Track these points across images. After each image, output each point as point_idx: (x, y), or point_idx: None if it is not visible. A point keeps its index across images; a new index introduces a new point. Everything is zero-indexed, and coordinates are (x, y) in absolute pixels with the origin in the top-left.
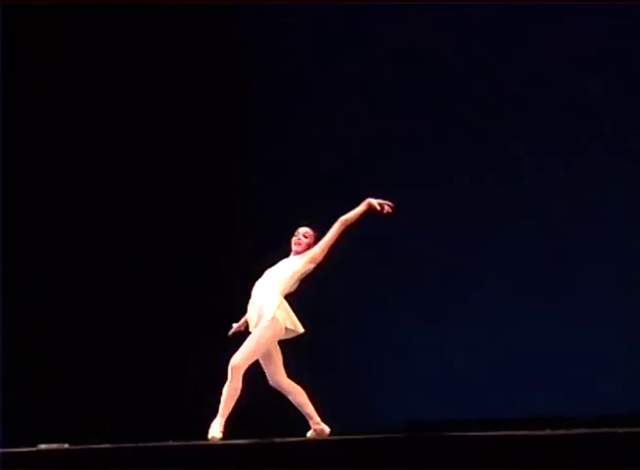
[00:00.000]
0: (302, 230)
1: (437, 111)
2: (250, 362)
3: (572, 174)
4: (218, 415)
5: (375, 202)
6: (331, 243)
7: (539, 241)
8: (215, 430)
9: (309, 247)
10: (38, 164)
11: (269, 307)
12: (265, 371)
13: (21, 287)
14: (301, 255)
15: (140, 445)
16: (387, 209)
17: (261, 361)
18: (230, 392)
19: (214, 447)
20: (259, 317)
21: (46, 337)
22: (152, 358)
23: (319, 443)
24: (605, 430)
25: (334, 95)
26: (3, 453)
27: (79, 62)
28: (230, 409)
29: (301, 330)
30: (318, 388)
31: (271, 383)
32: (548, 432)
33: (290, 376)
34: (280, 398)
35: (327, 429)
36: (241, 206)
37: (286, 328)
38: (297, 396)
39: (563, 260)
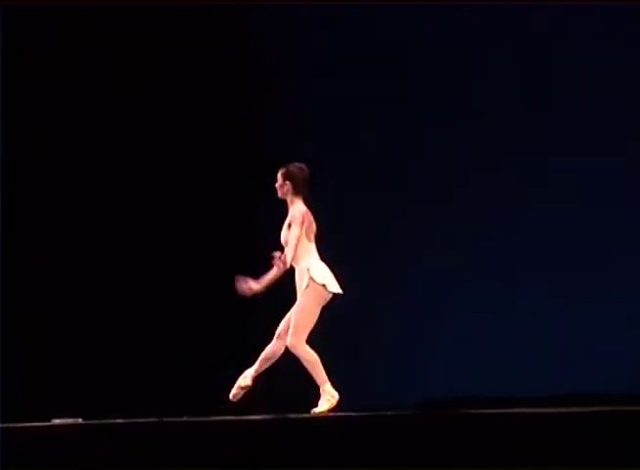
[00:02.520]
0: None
1: (444, 110)
2: (306, 333)
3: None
4: (321, 386)
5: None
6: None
7: (554, 222)
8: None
9: (282, 188)
10: (39, 159)
11: (305, 273)
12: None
13: (37, 263)
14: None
15: (154, 420)
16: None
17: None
18: (311, 364)
19: (228, 423)
20: (300, 283)
21: (62, 311)
22: (168, 333)
23: (332, 420)
24: (620, 408)
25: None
26: (17, 428)
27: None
28: (324, 374)
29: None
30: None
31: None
32: (554, 410)
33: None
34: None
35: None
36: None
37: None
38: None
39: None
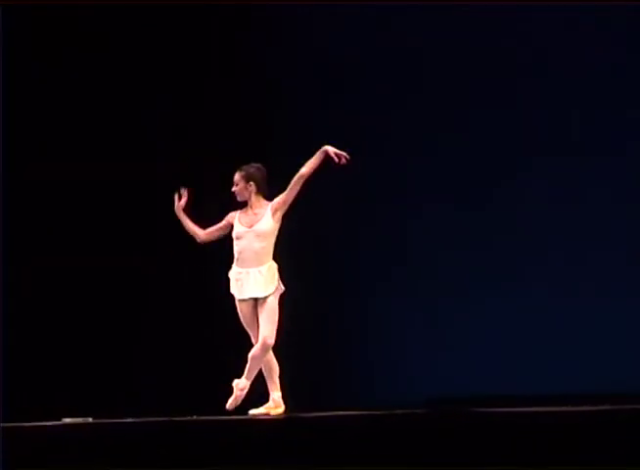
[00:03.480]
0: (234, 178)
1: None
2: None
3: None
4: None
5: (332, 150)
6: (292, 198)
7: (560, 218)
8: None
9: (246, 189)
10: (38, 156)
11: (272, 276)
12: (253, 334)
13: (47, 261)
14: (268, 213)
15: (163, 419)
16: (343, 160)
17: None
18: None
19: (237, 422)
20: (264, 285)
21: (71, 309)
22: (178, 332)
23: (343, 418)
24: (629, 406)
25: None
26: (27, 427)
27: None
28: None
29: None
30: (339, 364)
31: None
32: (569, 408)
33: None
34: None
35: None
36: None
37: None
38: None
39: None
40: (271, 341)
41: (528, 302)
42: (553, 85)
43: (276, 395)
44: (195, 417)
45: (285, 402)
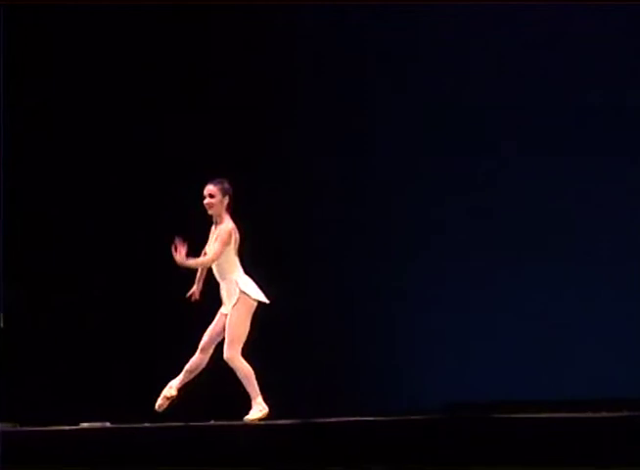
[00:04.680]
0: (207, 190)
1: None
2: (241, 345)
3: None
4: (254, 399)
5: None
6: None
7: (566, 229)
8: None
9: (221, 203)
10: (38, 156)
11: (233, 290)
12: (207, 341)
13: (56, 263)
14: (218, 237)
15: (181, 424)
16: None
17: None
18: (246, 377)
19: (255, 428)
20: (227, 299)
21: (88, 314)
22: (193, 338)
23: (355, 424)
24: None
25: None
26: (45, 431)
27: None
28: (257, 387)
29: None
30: (353, 369)
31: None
32: (586, 414)
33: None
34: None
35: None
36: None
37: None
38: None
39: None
40: (227, 355)
41: (546, 306)
42: (553, 85)
43: (259, 399)
44: (213, 422)
45: (291, 409)
